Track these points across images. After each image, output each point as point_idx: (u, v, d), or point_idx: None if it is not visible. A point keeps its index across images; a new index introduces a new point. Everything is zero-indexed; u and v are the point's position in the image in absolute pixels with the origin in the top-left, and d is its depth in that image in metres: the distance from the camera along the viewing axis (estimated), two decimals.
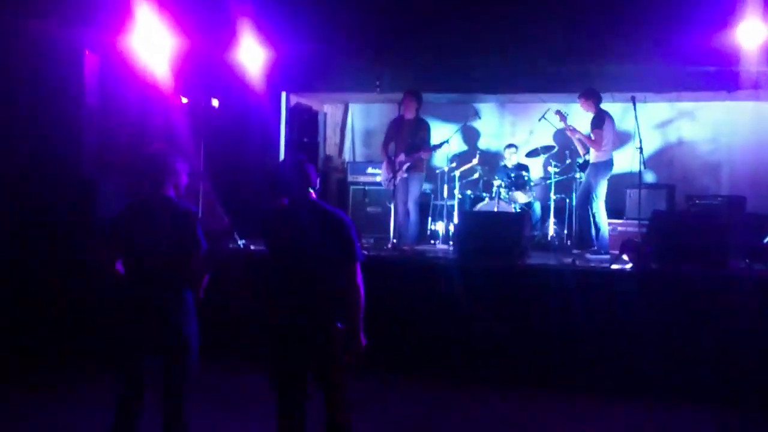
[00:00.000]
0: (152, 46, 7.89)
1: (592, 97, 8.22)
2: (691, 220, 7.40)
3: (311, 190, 3.81)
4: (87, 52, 7.98)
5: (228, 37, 8.30)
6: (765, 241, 7.34)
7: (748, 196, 8.64)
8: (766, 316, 5.89)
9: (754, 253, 7.01)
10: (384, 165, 8.56)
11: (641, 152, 7.89)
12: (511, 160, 9.79)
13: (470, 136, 10.79)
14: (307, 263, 3.69)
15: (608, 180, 8.24)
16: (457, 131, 9.73)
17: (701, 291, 6.16)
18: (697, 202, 8.59)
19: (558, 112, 8.50)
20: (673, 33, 7.45)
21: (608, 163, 8.19)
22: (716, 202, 8.53)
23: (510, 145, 9.91)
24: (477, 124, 10.60)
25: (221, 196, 8.46)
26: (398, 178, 8.18)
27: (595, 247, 8.08)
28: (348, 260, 3.68)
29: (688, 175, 9.90)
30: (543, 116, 9.43)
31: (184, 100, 8.91)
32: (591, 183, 8.17)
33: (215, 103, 8.98)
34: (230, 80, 8.73)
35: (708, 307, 6.07)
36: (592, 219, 8.22)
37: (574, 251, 8.15)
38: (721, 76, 8.07)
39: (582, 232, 8.39)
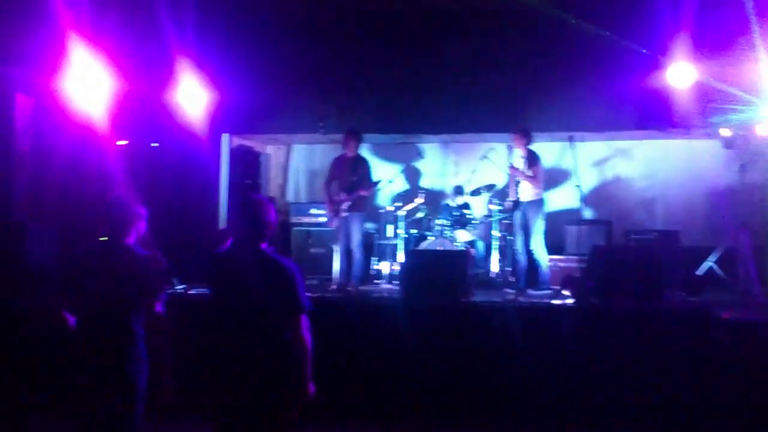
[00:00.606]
0: (89, 88, 7.75)
1: (526, 135, 8.37)
2: (628, 255, 7.57)
3: (265, 240, 3.65)
4: (18, 95, 7.83)
5: (168, 79, 8.26)
6: (698, 273, 7.56)
7: (682, 229, 8.88)
8: (700, 346, 6.04)
9: (689, 285, 7.20)
10: (327, 204, 8.59)
11: (580, 189, 8.09)
12: (456, 200, 9.89)
13: (414, 175, 10.89)
14: (251, 313, 3.55)
15: (546, 217, 8.40)
16: (401, 171, 9.83)
17: (639, 324, 6.30)
18: (633, 236, 8.81)
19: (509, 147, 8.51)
20: (608, 75, 7.71)
21: (543, 201, 8.36)
22: (651, 236, 8.75)
23: (456, 188, 10.01)
24: (420, 164, 10.74)
25: (160, 240, 8.31)
26: (339, 217, 8.20)
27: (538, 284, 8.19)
28: (294, 312, 3.55)
29: (625, 211, 10.15)
30: (485, 155, 9.60)
31: (123, 143, 8.80)
32: (530, 221, 8.29)
33: (155, 145, 8.88)
34: (170, 122, 8.64)
35: (646, 340, 6.20)
36: (531, 256, 8.34)
37: (512, 290, 8.12)
38: (654, 116, 8.31)
39: (522, 270, 8.48)
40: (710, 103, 7.53)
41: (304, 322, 3.58)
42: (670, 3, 6.91)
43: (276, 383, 3.52)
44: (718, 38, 7.06)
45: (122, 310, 3.80)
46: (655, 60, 7.38)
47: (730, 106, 7.64)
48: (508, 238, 9.34)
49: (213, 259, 3.82)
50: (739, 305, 6.69)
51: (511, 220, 8.80)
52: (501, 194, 9.68)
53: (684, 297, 7.08)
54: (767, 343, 5.58)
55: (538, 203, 8.30)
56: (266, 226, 3.64)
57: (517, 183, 8.48)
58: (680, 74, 7.32)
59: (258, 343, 3.54)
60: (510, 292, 7.87)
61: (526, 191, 8.38)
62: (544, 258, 8.25)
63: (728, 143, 7.98)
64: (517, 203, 8.49)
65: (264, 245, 3.65)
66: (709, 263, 7.63)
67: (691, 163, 9.91)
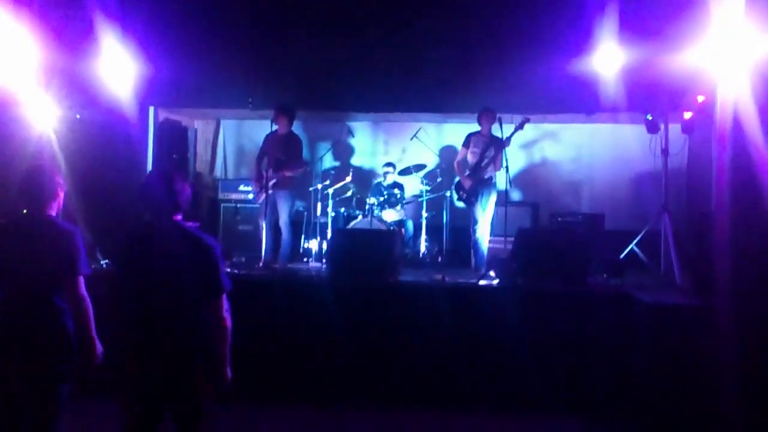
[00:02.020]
0: (7, 57, 7.42)
1: (495, 115, 8.46)
2: (554, 237, 7.68)
3: (179, 211, 3.49)
4: None
5: (92, 50, 7.97)
6: (622, 257, 7.72)
7: (607, 213, 9.07)
8: (622, 329, 6.18)
9: (612, 268, 7.35)
10: (254, 180, 8.47)
11: (507, 171, 8.17)
12: (387, 178, 9.87)
13: (344, 153, 10.82)
14: (167, 293, 3.38)
15: None
16: (330, 149, 9.76)
17: (563, 305, 6.41)
18: (559, 219, 8.94)
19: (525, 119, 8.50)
20: (536, 58, 7.75)
21: None
22: (577, 219, 8.90)
23: (388, 164, 9.99)
24: (351, 142, 10.68)
25: (83, 214, 8.07)
26: (264, 194, 8.08)
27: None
28: (213, 292, 3.42)
29: (551, 194, 10.32)
30: (415, 135, 9.61)
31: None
32: (489, 201, 8.49)
33: (77, 116, 8.57)
34: (95, 93, 8.35)
35: (569, 321, 6.31)
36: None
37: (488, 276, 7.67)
38: (581, 100, 8.42)
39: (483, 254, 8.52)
40: (636, 88, 7.66)
41: (225, 303, 3.46)
42: None
43: (191, 366, 3.40)
44: (645, 23, 7.17)
45: (45, 285, 3.66)
46: (583, 43, 7.46)
47: (655, 92, 7.81)
48: (437, 217, 9.40)
49: (126, 236, 3.63)
50: (660, 288, 6.85)
51: (440, 200, 8.85)
52: (430, 174, 9.73)
53: (607, 279, 7.22)
54: (686, 326, 5.72)
55: (495, 184, 8.49)
56: (180, 197, 3.48)
57: (483, 162, 8.53)
58: (607, 59, 7.43)
59: (174, 324, 3.40)
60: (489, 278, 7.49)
61: (489, 171, 8.51)
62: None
63: (651, 128, 8.14)
64: (483, 181, 8.52)
65: (179, 218, 3.50)
66: (631, 246, 7.80)
67: (616, 147, 10.11)
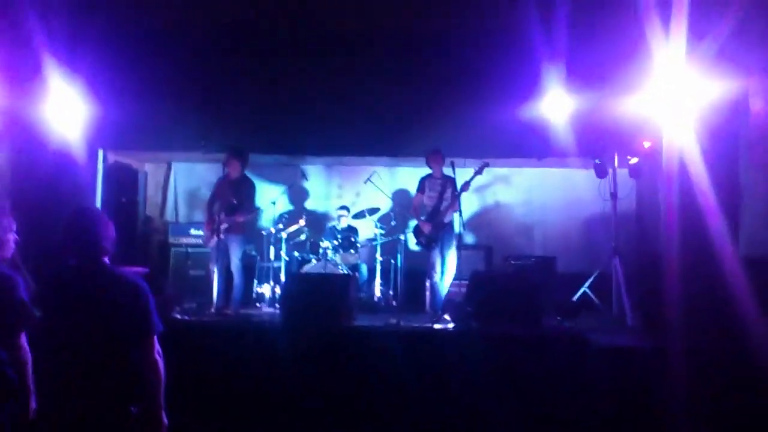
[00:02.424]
0: None
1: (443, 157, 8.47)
2: (507, 280, 7.71)
3: (105, 253, 3.36)
4: None
5: (40, 91, 7.84)
6: (574, 299, 7.79)
7: (559, 256, 9.16)
8: (576, 371, 6.19)
9: (565, 310, 7.40)
10: (205, 224, 8.36)
11: (461, 215, 8.21)
12: (341, 222, 9.84)
13: (297, 197, 10.79)
14: (95, 338, 3.23)
15: None
16: (283, 192, 9.72)
17: (517, 348, 6.40)
18: (512, 262, 8.99)
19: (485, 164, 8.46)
20: (487, 103, 7.86)
21: None
22: (530, 262, 8.97)
23: (342, 207, 9.98)
24: (305, 185, 10.65)
25: (29, 261, 7.85)
26: (215, 238, 7.97)
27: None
28: (143, 333, 3.30)
29: (504, 236, 10.40)
30: (369, 178, 9.63)
31: None
32: (448, 245, 8.36)
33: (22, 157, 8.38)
34: (42, 135, 8.20)
35: (524, 363, 6.30)
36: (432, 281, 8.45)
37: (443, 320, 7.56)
38: (532, 145, 8.55)
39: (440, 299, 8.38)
40: (585, 133, 7.81)
41: (156, 344, 3.35)
42: (547, 35, 7.13)
43: (123, 414, 3.25)
44: (593, 70, 7.34)
45: None
46: (533, 89, 7.60)
47: (603, 137, 7.97)
48: (391, 261, 9.38)
49: (47, 279, 3.48)
50: (612, 330, 6.92)
51: (393, 244, 8.81)
52: (384, 218, 9.74)
53: (560, 321, 7.26)
54: (638, 367, 5.77)
55: (453, 227, 8.43)
56: (106, 239, 3.37)
57: (441, 206, 8.47)
58: (556, 104, 7.58)
59: (102, 370, 3.24)
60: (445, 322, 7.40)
61: (448, 215, 8.43)
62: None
63: (600, 172, 8.29)
64: (443, 225, 8.43)
65: (106, 259, 3.38)
66: (583, 289, 7.88)
67: (567, 191, 10.27)
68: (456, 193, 8.32)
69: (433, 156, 8.54)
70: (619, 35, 6.89)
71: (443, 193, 8.48)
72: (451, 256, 8.33)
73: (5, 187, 8.08)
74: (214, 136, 8.38)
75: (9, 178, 8.10)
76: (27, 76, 7.64)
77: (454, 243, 8.37)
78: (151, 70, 7.96)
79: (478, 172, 8.36)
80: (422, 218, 8.62)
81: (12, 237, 3.75)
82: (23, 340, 3.55)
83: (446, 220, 8.46)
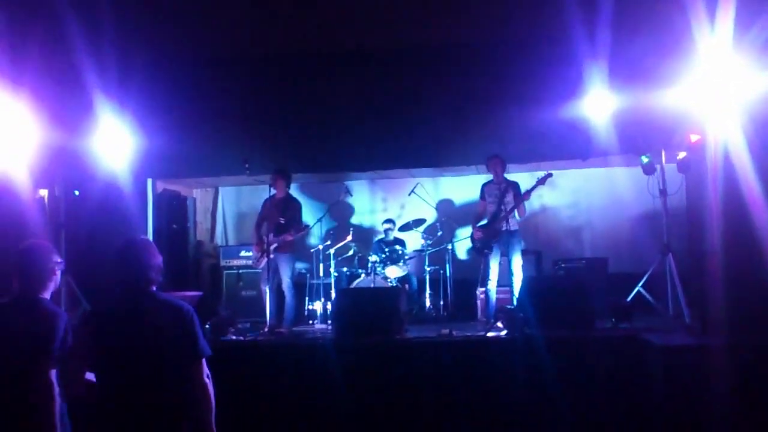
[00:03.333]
0: (7, 136, 7.50)
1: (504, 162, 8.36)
2: (559, 284, 7.64)
3: (153, 283, 3.42)
4: None
5: (89, 125, 8.06)
6: (628, 300, 7.66)
7: (609, 256, 9.04)
8: (633, 372, 6.10)
9: (619, 312, 7.29)
10: (254, 245, 8.47)
11: (504, 218, 8.16)
12: (388, 235, 9.88)
13: (343, 213, 10.86)
14: (146, 366, 3.30)
15: None
16: (328, 209, 9.80)
17: (572, 352, 6.33)
18: (562, 265, 8.91)
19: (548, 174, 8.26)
20: (528, 107, 7.82)
21: None
22: (580, 264, 8.87)
23: (387, 221, 10.02)
24: (349, 201, 10.72)
25: (86, 290, 8.07)
26: (265, 259, 8.06)
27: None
28: (193, 358, 3.36)
29: (552, 240, 10.31)
30: (413, 190, 9.66)
31: (43, 193, 8.52)
32: (515, 250, 8.20)
33: (76, 193, 8.62)
34: (92, 169, 8.43)
35: (580, 368, 6.23)
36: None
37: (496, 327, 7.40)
38: (576, 146, 8.46)
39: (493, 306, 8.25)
40: (630, 130, 7.71)
41: (205, 367, 3.41)
42: (588, 33, 7.07)
43: None
44: (635, 66, 7.26)
45: (20, 374, 3.56)
46: (574, 90, 7.55)
47: (648, 134, 7.86)
48: (440, 271, 9.37)
49: (99, 308, 3.57)
50: (669, 329, 6.79)
51: (441, 254, 8.78)
52: (431, 228, 9.74)
53: (615, 323, 7.16)
54: (697, 366, 5.66)
55: (520, 233, 8.33)
56: (154, 268, 3.43)
57: (501, 212, 8.29)
58: (598, 103, 7.50)
59: (155, 395, 3.31)
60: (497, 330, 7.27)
61: (512, 220, 8.25)
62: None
63: (648, 170, 8.17)
64: (498, 233, 8.25)
65: (154, 288, 3.45)
66: (637, 288, 7.75)
67: (612, 190, 10.14)
68: (519, 197, 8.21)
69: (491, 161, 8.38)
70: (663, 27, 6.79)
71: (503, 198, 8.31)
72: (516, 261, 8.16)
73: (59, 220, 8.30)
74: (257, 159, 8.50)
75: (63, 211, 8.32)
76: (77, 111, 7.87)
77: (519, 248, 8.23)
78: (194, 100, 8.14)
79: (541, 182, 8.15)
80: (478, 225, 8.49)
81: (58, 274, 3.84)
82: (53, 376, 3.63)
83: (507, 226, 8.20)
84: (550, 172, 8.22)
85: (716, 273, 5.70)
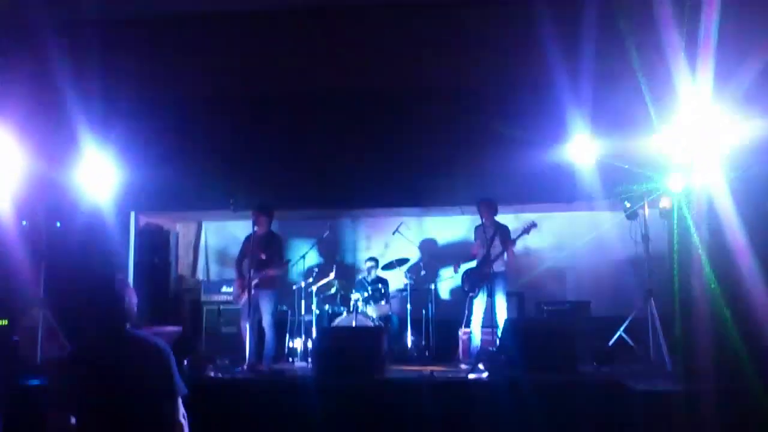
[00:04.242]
0: None
1: (493, 206, 8.50)
2: (541, 327, 7.63)
3: (127, 320, 3.37)
4: None
5: (72, 158, 8.05)
6: (610, 343, 7.66)
7: (592, 299, 9.04)
8: (614, 417, 6.06)
9: (601, 356, 7.29)
10: (236, 282, 8.42)
11: (491, 262, 8.18)
12: (371, 274, 9.86)
13: (326, 250, 10.82)
14: (119, 402, 3.23)
15: None
16: (312, 246, 9.77)
17: (554, 396, 6.29)
18: (545, 308, 8.90)
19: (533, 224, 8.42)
20: (513, 150, 7.90)
21: None
22: (563, 307, 8.87)
23: (370, 258, 10.01)
24: (333, 239, 10.69)
25: (65, 323, 7.97)
26: (246, 295, 8.00)
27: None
28: (167, 396, 3.31)
29: (536, 282, 10.29)
30: (397, 229, 9.66)
31: (24, 224, 8.44)
32: (498, 293, 8.29)
33: (58, 224, 8.55)
34: (74, 201, 8.38)
35: (561, 411, 6.19)
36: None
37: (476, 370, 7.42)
38: (560, 189, 8.53)
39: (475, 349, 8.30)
40: (612, 176, 7.79)
41: (180, 407, 3.36)
42: (570, 81, 7.18)
43: None
44: (619, 112, 7.36)
45: None
46: (559, 134, 7.64)
47: (631, 180, 7.93)
48: (422, 311, 9.34)
49: (77, 346, 3.51)
50: (650, 375, 6.79)
51: (424, 294, 8.75)
52: (414, 268, 9.73)
53: (596, 367, 7.15)
54: (677, 412, 5.64)
55: (506, 275, 8.37)
56: (128, 306, 3.39)
57: (491, 254, 8.37)
58: (582, 148, 7.59)
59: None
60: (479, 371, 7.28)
61: (498, 263, 8.36)
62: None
63: (630, 215, 8.24)
64: (485, 276, 8.33)
65: (128, 326, 3.39)
66: (619, 333, 7.76)
67: (597, 234, 10.17)
68: (506, 242, 8.32)
69: (482, 204, 8.54)
70: (645, 76, 6.91)
71: (492, 241, 8.41)
72: (500, 302, 8.24)
73: (40, 251, 8.22)
74: (242, 194, 8.47)
75: (44, 242, 8.25)
76: (62, 142, 7.86)
77: (504, 290, 8.31)
78: (179, 135, 8.17)
79: (525, 231, 8.34)
80: (465, 267, 8.65)
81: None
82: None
83: (494, 269, 8.35)
84: (534, 221, 8.37)
85: (699, 319, 5.71)
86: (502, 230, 8.43)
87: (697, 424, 5.30)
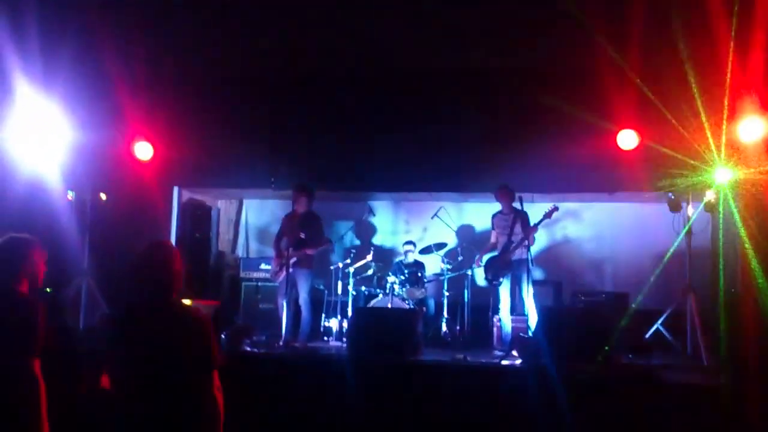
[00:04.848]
0: (36, 139, 7.63)
1: (511, 193, 8.39)
2: (577, 316, 7.57)
3: (174, 291, 3.38)
4: None
5: (119, 132, 8.19)
6: (647, 336, 7.59)
7: (630, 291, 8.94)
8: (648, 410, 6.02)
9: (637, 348, 7.22)
10: (274, 259, 8.51)
11: (529, 250, 8.12)
12: (408, 257, 9.87)
13: (365, 232, 10.87)
14: (156, 371, 3.25)
15: None
16: (351, 228, 9.81)
17: (587, 386, 6.26)
18: (582, 298, 8.82)
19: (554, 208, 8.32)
20: (557, 138, 7.84)
21: None
22: (600, 298, 8.78)
23: (408, 242, 10.01)
24: (372, 221, 10.73)
25: (108, 293, 8.15)
26: (283, 273, 8.09)
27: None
28: (204, 368, 3.32)
29: (574, 272, 10.22)
30: (436, 214, 9.65)
31: (71, 195, 8.63)
32: (523, 279, 8.19)
33: (103, 197, 8.72)
34: (121, 175, 8.54)
35: (594, 401, 6.16)
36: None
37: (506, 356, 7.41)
38: (602, 179, 8.44)
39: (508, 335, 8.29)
40: (656, 168, 7.67)
41: (215, 379, 3.37)
42: (616, 70, 7.09)
43: None
44: (662, 104, 7.25)
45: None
46: (604, 123, 7.55)
47: (676, 171, 7.81)
48: (458, 296, 9.33)
49: (118, 311, 3.57)
50: (685, 369, 6.71)
51: (461, 279, 8.75)
52: (451, 253, 9.72)
53: (632, 359, 7.08)
54: (713, 406, 5.58)
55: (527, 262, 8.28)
56: (175, 276, 3.39)
57: (512, 242, 8.36)
58: (626, 140, 7.49)
59: (164, 402, 3.26)
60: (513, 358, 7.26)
61: (520, 250, 8.28)
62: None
63: (673, 207, 8.11)
64: (509, 264, 8.35)
65: (173, 295, 3.41)
66: (656, 326, 7.68)
67: (638, 226, 10.06)
68: (527, 228, 8.24)
69: (500, 192, 8.45)
70: (693, 65, 6.79)
71: (513, 228, 8.38)
72: (527, 289, 8.13)
73: (84, 223, 8.40)
74: (283, 174, 8.56)
75: (88, 214, 8.42)
76: (108, 115, 8.00)
77: (530, 276, 8.19)
78: (225, 112, 8.24)
79: (547, 216, 8.22)
80: (487, 256, 8.63)
81: (42, 269, 3.88)
82: (36, 367, 3.68)
83: (517, 256, 8.31)
84: (555, 205, 8.25)
85: (746, 314, 5.63)
86: (522, 217, 8.36)
87: (732, 418, 5.23)
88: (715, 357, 6.75)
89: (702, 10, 6.11)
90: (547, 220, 8.33)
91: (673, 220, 8.19)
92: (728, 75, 6.08)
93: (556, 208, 8.27)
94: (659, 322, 7.67)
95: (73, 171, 8.15)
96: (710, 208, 8.14)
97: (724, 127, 6.47)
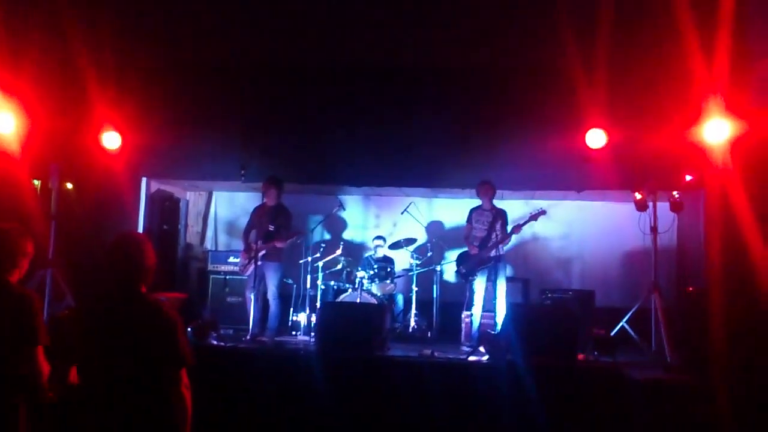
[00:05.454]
0: (3, 125, 7.52)
1: (494, 188, 8.38)
2: (544, 313, 7.62)
3: (144, 283, 3.34)
4: None
5: (87, 121, 8.07)
6: (612, 333, 7.67)
7: (597, 289, 9.04)
8: (612, 406, 6.09)
9: (603, 345, 7.29)
10: (242, 252, 8.47)
11: (493, 246, 8.17)
12: (377, 252, 9.88)
13: (335, 226, 10.85)
14: (123, 365, 3.21)
15: None
16: (320, 222, 9.79)
17: (553, 382, 6.31)
18: (549, 295, 8.90)
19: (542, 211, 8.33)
20: (526, 136, 7.88)
21: None
22: (567, 295, 8.85)
23: (378, 237, 10.01)
24: (342, 215, 10.71)
25: (74, 283, 8.04)
26: (252, 266, 8.05)
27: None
28: (172, 365, 3.28)
29: (541, 269, 10.31)
30: (406, 209, 9.67)
31: (36, 183, 8.50)
32: (500, 277, 8.20)
33: (69, 186, 8.59)
34: (87, 164, 8.42)
35: (559, 398, 6.22)
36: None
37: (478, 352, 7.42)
38: (571, 178, 8.51)
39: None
40: (625, 166, 7.76)
41: (184, 377, 3.33)
42: (585, 66, 7.15)
43: None
44: (633, 103, 7.33)
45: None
46: (573, 122, 7.60)
47: (643, 171, 7.90)
48: (427, 292, 9.35)
49: (86, 302, 3.51)
50: (650, 366, 6.80)
51: (429, 275, 8.76)
52: (421, 249, 9.74)
53: (597, 356, 7.16)
54: (676, 403, 5.66)
55: (503, 259, 8.31)
56: (146, 268, 3.35)
57: (491, 238, 8.34)
58: (595, 138, 7.55)
59: (130, 397, 3.23)
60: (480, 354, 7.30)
61: (498, 247, 8.25)
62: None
63: (640, 206, 8.21)
64: (486, 260, 8.31)
65: (143, 289, 3.36)
66: (621, 324, 7.77)
67: (606, 224, 10.17)
68: (506, 226, 8.28)
69: (482, 187, 8.41)
70: (661, 66, 6.87)
71: (493, 224, 8.38)
72: (501, 287, 8.19)
73: (50, 212, 8.27)
74: (253, 166, 8.50)
75: (54, 203, 8.29)
76: (76, 104, 7.88)
77: (504, 274, 8.27)
78: (194, 103, 8.16)
79: (533, 218, 8.25)
80: (474, 245, 8.50)
81: (27, 261, 3.83)
82: (40, 354, 3.64)
83: (495, 253, 8.27)
84: (543, 209, 8.29)
85: (712, 312, 5.71)
86: (502, 215, 8.39)
87: (696, 415, 5.32)
88: (679, 354, 6.84)
89: (668, 10, 6.18)
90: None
91: (640, 219, 8.28)
92: (694, 77, 6.15)
93: (543, 212, 8.30)
94: (624, 319, 7.75)
95: (39, 159, 8.02)
96: (676, 207, 8.27)
97: (690, 128, 6.54)
